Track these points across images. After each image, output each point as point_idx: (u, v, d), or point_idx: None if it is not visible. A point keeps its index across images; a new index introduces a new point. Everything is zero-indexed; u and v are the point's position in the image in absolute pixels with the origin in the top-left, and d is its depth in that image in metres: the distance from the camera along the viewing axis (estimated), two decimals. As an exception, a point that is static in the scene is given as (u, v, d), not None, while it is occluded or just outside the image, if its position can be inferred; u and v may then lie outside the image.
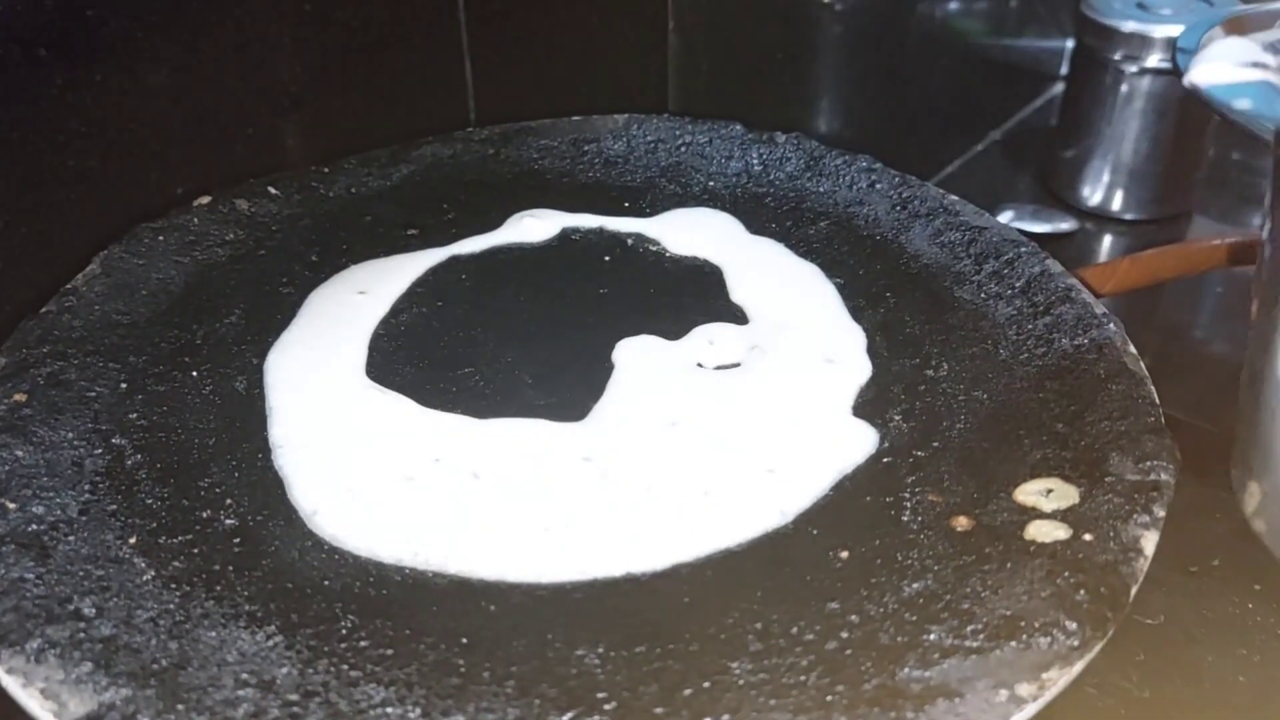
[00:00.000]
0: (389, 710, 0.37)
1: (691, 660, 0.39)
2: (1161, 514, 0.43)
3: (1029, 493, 0.45)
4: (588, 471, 0.48)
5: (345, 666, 0.39)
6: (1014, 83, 1.24)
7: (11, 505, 0.44)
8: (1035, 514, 0.44)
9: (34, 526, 0.43)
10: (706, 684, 0.38)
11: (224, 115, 0.72)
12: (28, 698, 0.36)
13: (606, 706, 0.37)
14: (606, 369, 0.54)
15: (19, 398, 0.49)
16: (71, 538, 0.43)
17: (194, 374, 0.53)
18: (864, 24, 0.98)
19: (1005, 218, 0.96)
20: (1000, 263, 0.59)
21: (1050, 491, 0.45)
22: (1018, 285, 0.57)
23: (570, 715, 0.37)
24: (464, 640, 0.40)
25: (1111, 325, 0.53)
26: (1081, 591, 0.39)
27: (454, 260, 0.62)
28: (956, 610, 0.40)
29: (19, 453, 0.47)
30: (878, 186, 0.66)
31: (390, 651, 0.40)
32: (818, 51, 0.97)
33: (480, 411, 0.51)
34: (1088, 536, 0.42)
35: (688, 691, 0.38)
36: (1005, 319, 0.56)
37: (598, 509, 0.46)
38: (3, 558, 0.41)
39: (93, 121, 0.65)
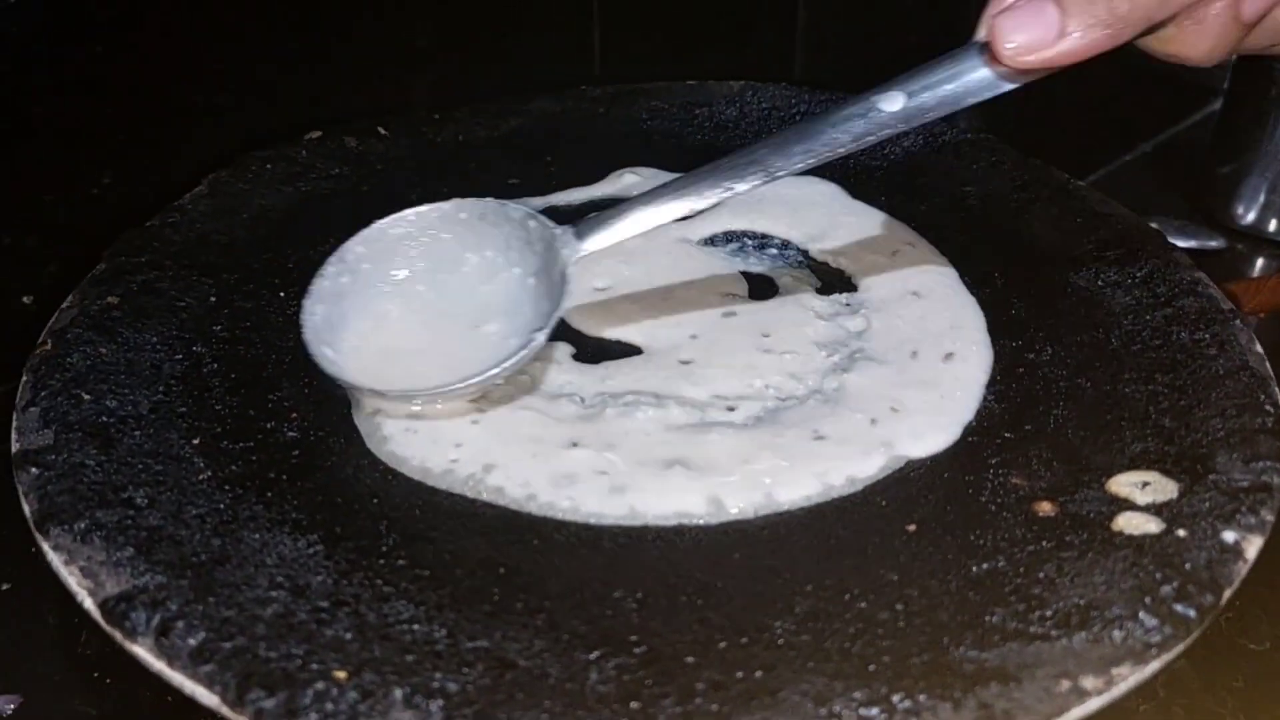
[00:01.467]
0: (416, 627, 0.36)
1: (732, 614, 0.37)
2: (1270, 519, 0.39)
3: (1123, 484, 0.42)
4: (661, 415, 0.46)
5: (380, 581, 0.38)
6: (1172, 94, 1.17)
7: (86, 396, 0.45)
8: (1127, 505, 0.41)
9: (104, 418, 0.44)
10: (744, 639, 0.36)
11: (353, 61, 0.74)
12: (68, 574, 0.37)
13: (636, 650, 0.36)
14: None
15: (111, 300, 0.51)
16: (137, 432, 0.44)
17: (281, 295, 0.54)
18: None
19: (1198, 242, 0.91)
20: (1122, 251, 0.55)
21: (1147, 484, 0.41)
22: (1139, 275, 0.53)
23: (597, 654, 0.35)
24: (501, 570, 0.39)
25: (1238, 321, 0.49)
26: (1166, 587, 0.36)
27: (550, 210, 0.61)
28: (1025, 594, 0.37)
29: (102, 349, 0.48)
30: (1000, 167, 0.63)
31: (427, 573, 0.39)
32: (964, 33, 0.93)
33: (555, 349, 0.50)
34: (1181, 533, 0.38)
35: (723, 644, 0.36)
36: (1121, 308, 0.52)
37: (662, 453, 0.44)
38: (69, 443, 0.42)
39: (228, 59, 0.67)
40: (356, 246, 0.48)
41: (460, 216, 0.48)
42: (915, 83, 0.43)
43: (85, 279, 0.52)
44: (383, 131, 0.66)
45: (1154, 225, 0.66)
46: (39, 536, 0.38)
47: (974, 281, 0.55)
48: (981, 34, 0.41)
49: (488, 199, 0.48)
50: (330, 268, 0.48)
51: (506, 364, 0.44)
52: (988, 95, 0.42)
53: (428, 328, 0.47)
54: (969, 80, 0.42)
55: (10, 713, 0.42)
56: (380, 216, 0.59)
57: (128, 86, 0.65)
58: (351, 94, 0.74)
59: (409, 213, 0.48)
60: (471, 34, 0.80)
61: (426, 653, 0.35)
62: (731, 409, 0.47)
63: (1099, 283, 0.54)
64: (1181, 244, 0.96)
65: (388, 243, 0.48)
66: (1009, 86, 0.42)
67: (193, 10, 0.67)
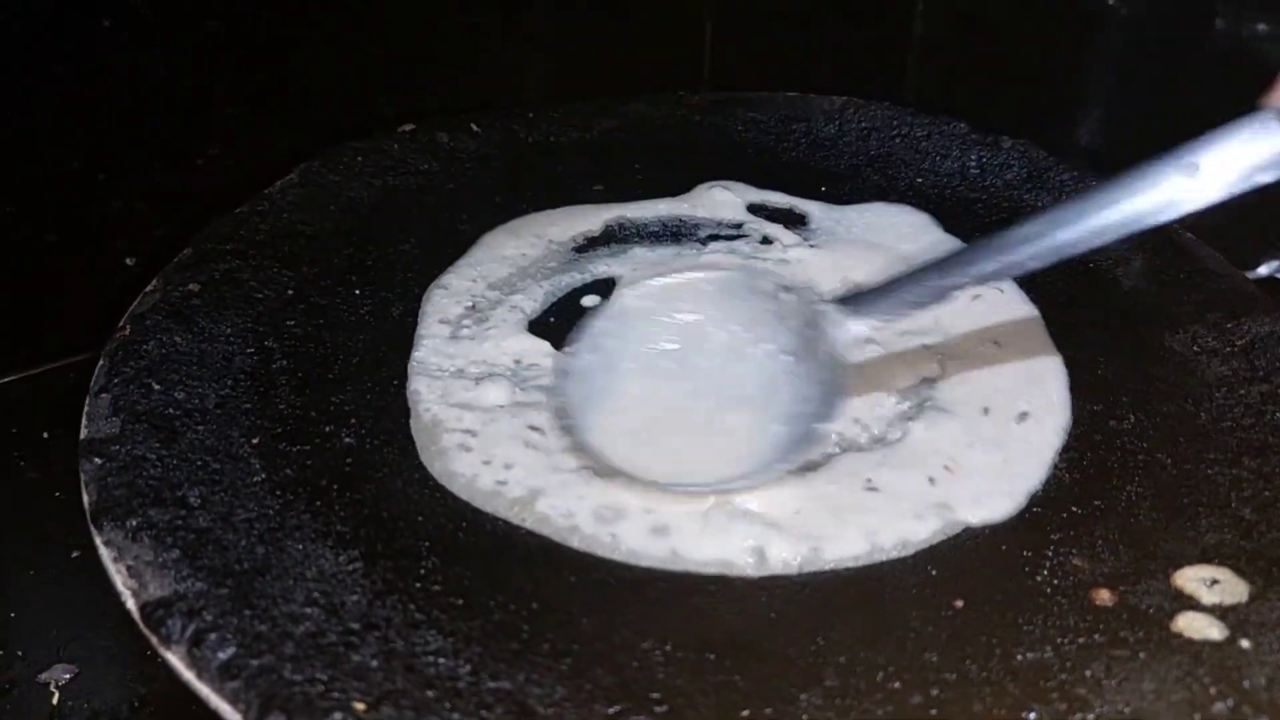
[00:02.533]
0: (441, 660, 0.36)
1: (759, 680, 0.36)
2: (1347, 636, 0.36)
3: (1191, 578, 0.40)
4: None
5: (413, 607, 0.38)
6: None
7: (157, 386, 0.46)
8: (1191, 604, 0.38)
9: (170, 410, 0.45)
10: (768, 709, 0.35)
11: (464, 48, 0.74)
12: (115, 571, 0.38)
13: (657, 709, 0.35)
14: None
15: (193, 287, 0.52)
16: (201, 427, 0.45)
17: (356, 292, 0.54)
18: (1148, 33, 0.89)
19: (1269, 268, 0.85)
20: (1224, 314, 0.52)
21: (1216, 582, 0.39)
22: (1239, 344, 0.50)
23: (617, 709, 0.35)
24: (534, 606, 0.39)
25: (1341, 408, 0.46)
26: (1220, 705, 0.34)
27: (625, 221, 0.61)
28: (1068, 694, 0.35)
29: (178, 339, 0.49)
30: (1104, 210, 0.60)
31: (460, 601, 0.39)
32: (1085, 57, 0.89)
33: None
34: (1245, 644, 0.36)
35: (745, 712, 0.35)
36: (1216, 379, 0.49)
37: (710, 500, 0.43)
38: (134, 434, 0.43)
39: (340, 42, 0.68)
40: (601, 322, 0.47)
41: (705, 289, 0.47)
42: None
43: (171, 263, 0.53)
44: (475, 128, 0.67)
45: (1273, 265, 0.63)
46: (93, 529, 0.39)
47: (1062, 335, 0.53)
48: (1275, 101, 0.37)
49: (735, 270, 0.47)
50: (580, 344, 0.47)
51: (792, 458, 0.42)
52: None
53: (679, 411, 0.46)
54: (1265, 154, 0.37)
55: (65, 682, 0.43)
56: (461, 215, 0.60)
57: (239, 64, 0.66)
58: (466, 83, 0.74)
59: (649, 285, 0.47)
60: (584, 29, 0.80)
61: (448, 690, 0.35)
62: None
63: (1195, 348, 0.51)
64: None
65: (632, 317, 0.47)
66: None
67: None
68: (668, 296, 0.47)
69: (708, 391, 0.46)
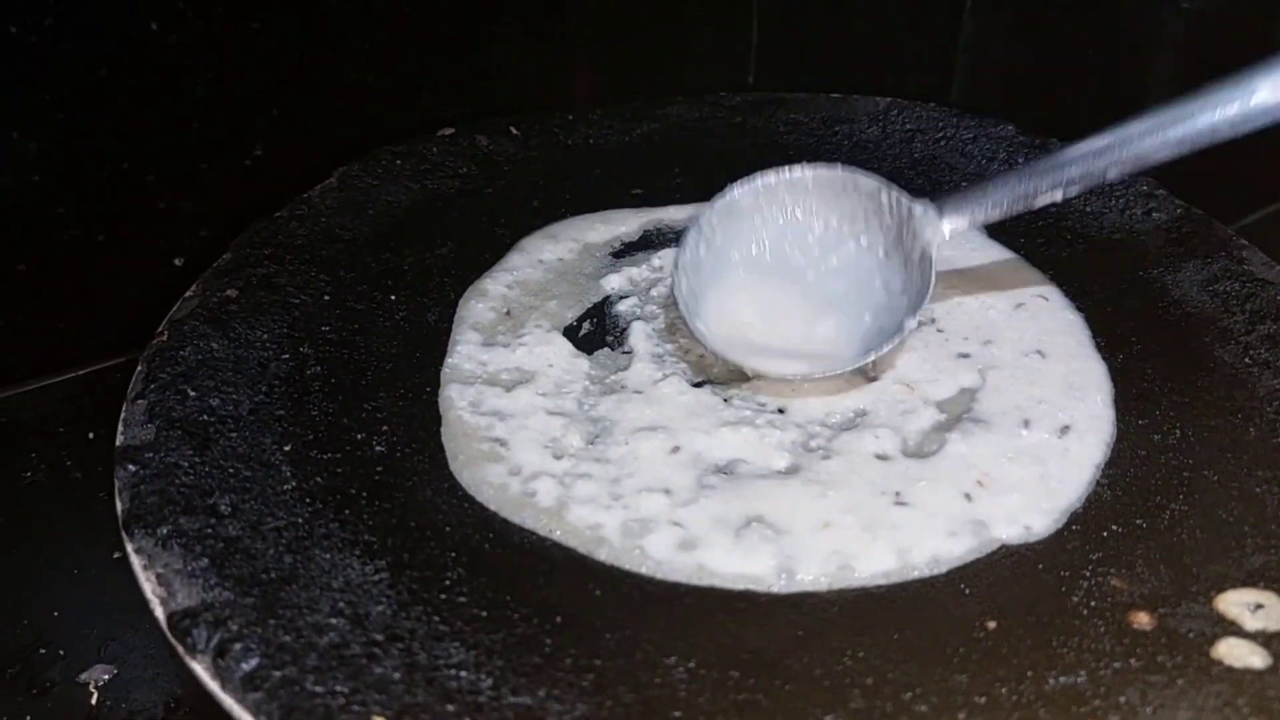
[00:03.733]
0: (463, 674, 0.36)
1: (783, 700, 0.36)
2: (1397, 668, 0.35)
3: (1234, 602, 0.38)
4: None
5: (437, 618, 0.38)
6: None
7: (192, 393, 0.46)
8: (1232, 629, 0.37)
9: (205, 417, 0.46)
10: (790, 731, 0.35)
11: (506, 51, 0.74)
12: (145, 580, 0.38)
13: (677, 728, 0.35)
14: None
15: (231, 293, 0.52)
16: (234, 434, 0.45)
17: (392, 298, 0.54)
18: (1214, 31, 0.86)
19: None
20: (1278, 326, 0.50)
21: (1260, 607, 0.38)
22: (1294, 356, 0.49)
23: (637, 727, 0.35)
24: (558, 619, 0.39)
25: (1399, 425, 0.44)
26: (1260, 737, 0.33)
27: (659, 227, 0.60)
28: (1101, 720, 0.34)
29: (214, 344, 0.49)
30: (1154, 215, 0.58)
31: (485, 614, 0.39)
32: (1147, 56, 0.86)
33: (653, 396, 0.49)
34: (1289, 673, 0.35)
35: (767, 733, 0.35)
36: (1267, 393, 0.48)
37: (739, 508, 0.43)
38: (168, 441, 0.44)
39: (382, 45, 0.68)
40: (712, 218, 0.50)
41: (809, 185, 0.49)
42: None
43: (210, 269, 0.54)
44: (514, 131, 0.66)
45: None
46: (125, 536, 0.40)
47: (1108, 345, 0.51)
48: None
49: (838, 166, 0.49)
50: (689, 239, 0.49)
51: (878, 351, 0.46)
52: None
53: (779, 304, 0.49)
54: None
55: (104, 683, 0.44)
56: (499, 219, 0.60)
57: (282, 67, 0.67)
58: (508, 87, 0.74)
59: (758, 180, 0.50)
60: (628, 32, 0.79)
61: (468, 704, 0.35)
62: (826, 457, 0.46)
63: (1246, 360, 0.49)
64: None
65: (739, 213, 0.50)
66: None
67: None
68: (770, 193, 0.50)
69: (805, 283, 0.50)
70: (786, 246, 0.50)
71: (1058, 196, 0.44)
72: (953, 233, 0.46)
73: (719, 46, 0.86)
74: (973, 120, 0.66)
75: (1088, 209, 0.60)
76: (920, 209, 0.47)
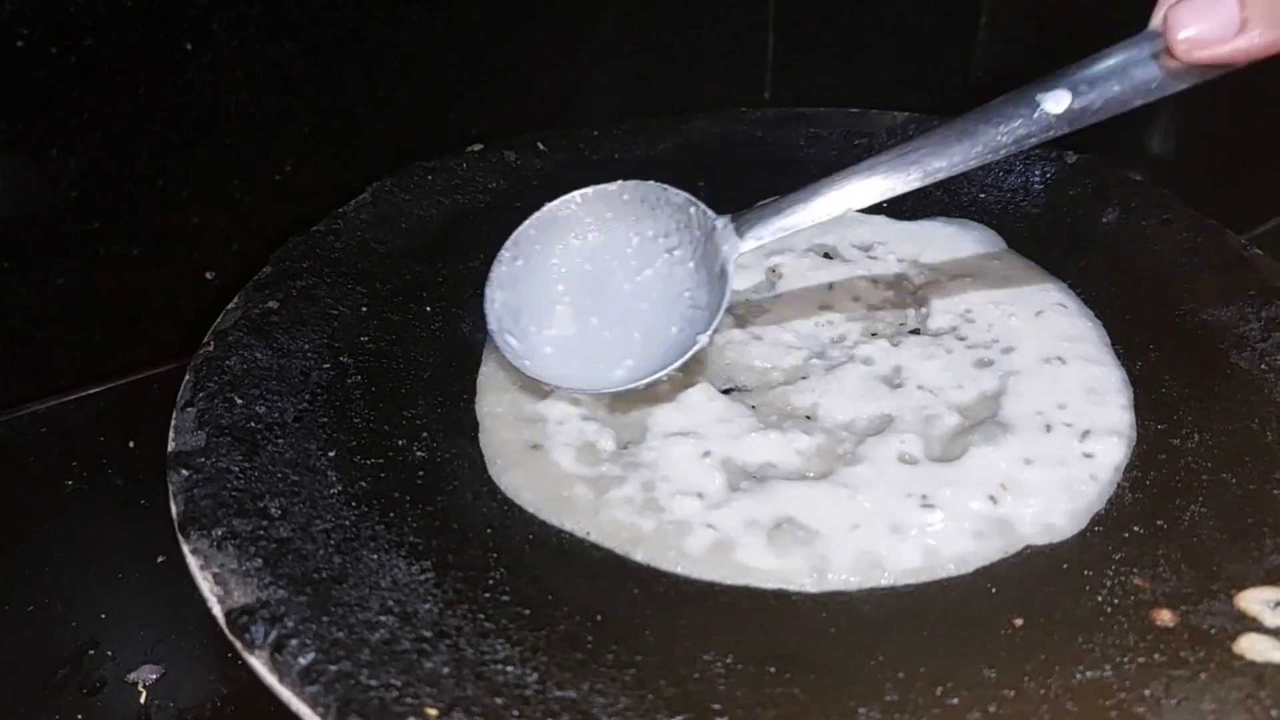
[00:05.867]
0: (509, 669, 0.38)
1: (818, 693, 0.37)
2: None
3: (1255, 600, 0.39)
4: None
5: (482, 616, 0.40)
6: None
7: (239, 401, 0.48)
8: (1254, 625, 0.38)
9: (252, 424, 0.47)
10: (826, 722, 0.36)
11: (532, 68, 0.76)
12: (202, 579, 0.40)
13: (717, 719, 0.36)
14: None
15: (272, 305, 0.54)
16: (280, 440, 0.47)
17: (428, 309, 0.56)
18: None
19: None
20: (1295, 333, 0.52)
21: (1279, 604, 0.39)
22: (1309, 362, 0.50)
23: (679, 719, 0.36)
24: (599, 617, 0.40)
25: None
26: (1282, 728, 0.34)
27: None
28: (1127, 712, 0.36)
29: (259, 354, 0.51)
30: (1171, 226, 0.60)
31: (528, 612, 0.40)
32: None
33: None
34: (1309, 667, 0.36)
35: (804, 725, 0.36)
36: (1284, 398, 0.49)
37: (771, 510, 0.44)
38: (218, 447, 0.45)
39: (404, 62, 0.70)
40: (529, 230, 0.51)
41: (623, 198, 0.50)
42: (1080, 79, 0.42)
43: (250, 282, 0.55)
44: (541, 147, 0.68)
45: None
46: (180, 538, 0.41)
47: (1126, 352, 0.53)
48: (1155, 23, 0.39)
49: (650, 182, 0.50)
50: (506, 252, 0.50)
51: (670, 368, 0.46)
52: (1156, 96, 0.41)
53: (594, 312, 0.50)
54: (1137, 77, 0.41)
55: (151, 682, 0.46)
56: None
57: (315, 84, 0.69)
58: (534, 103, 0.76)
59: (576, 195, 0.50)
60: (648, 47, 0.81)
61: (515, 697, 0.36)
62: (853, 461, 0.47)
63: (1262, 366, 0.51)
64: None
65: (557, 224, 0.51)
66: (1179, 87, 0.40)
67: (381, 15, 0.70)
68: (587, 205, 0.50)
69: (621, 294, 0.50)
70: (605, 258, 0.50)
71: (850, 206, 0.45)
72: (751, 248, 0.47)
73: (737, 62, 0.88)
74: (989, 134, 0.67)
75: (1104, 219, 0.61)
76: (721, 223, 0.48)
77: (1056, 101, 0.42)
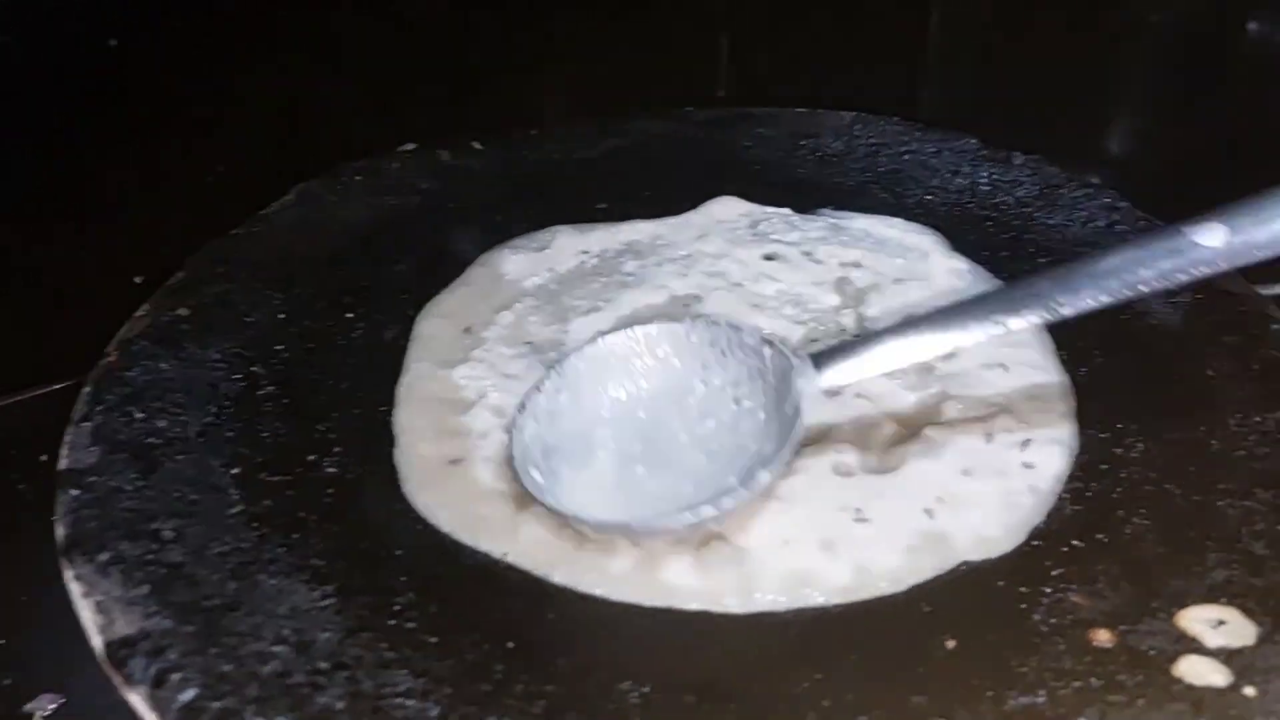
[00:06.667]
0: (409, 702, 0.35)
1: (737, 725, 0.35)
2: (1359, 684, 0.35)
3: (1196, 619, 0.38)
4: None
5: (384, 645, 0.37)
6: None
7: (139, 415, 0.46)
8: (1194, 646, 0.37)
9: (151, 439, 0.45)
10: (743, 757, 0.34)
11: (468, 63, 0.73)
12: (83, 607, 0.37)
13: (629, 755, 0.34)
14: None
15: (182, 312, 0.52)
16: (181, 456, 0.44)
17: (349, 315, 0.54)
18: (1181, 39, 0.86)
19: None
20: (1243, 337, 0.50)
21: (1222, 624, 0.37)
22: (1256, 368, 0.48)
23: (587, 755, 0.34)
24: (510, 645, 0.38)
25: (1362, 436, 0.44)
26: (1220, 758, 0.32)
27: (631, 245, 0.59)
28: (1061, 741, 0.34)
29: (164, 365, 0.48)
30: (1117, 229, 0.58)
31: (435, 639, 0.38)
32: (1113, 69, 0.86)
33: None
34: (1249, 691, 0.35)
35: (719, 760, 0.34)
36: (1230, 404, 0.47)
37: (698, 530, 0.42)
38: (112, 465, 0.43)
39: (336, 59, 0.68)
40: (578, 363, 0.46)
41: (690, 339, 0.46)
42: (1241, 215, 0.39)
43: (161, 288, 0.53)
44: (477, 146, 0.66)
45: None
46: (63, 563, 0.39)
47: (1070, 358, 0.51)
48: None
49: (721, 322, 0.47)
50: (549, 382, 0.46)
51: (724, 503, 0.41)
52: None
53: (640, 460, 0.44)
54: None
55: (50, 712, 0.43)
56: (462, 236, 0.59)
57: (246, 82, 0.67)
58: (473, 101, 0.74)
59: (638, 331, 0.46)
60: (597, 47, 0.79)
61: (413, 733, 0.34)
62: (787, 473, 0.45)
63: (1209, 372, 0.49)
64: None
65: (612, 362, 0.46)
66: None
67: (312, 8, 0.68)
68: (649, 344, 0.46)
69: (676, 445, 0.45)
70: (663, 405, 0.46)
71: (956, 345, 0.42)
72: (830, 387, 0.43)
73: (689, 62, 0.86)
74: (937, 134, 0.66)
75: (1050, 222, 0.60)
76: (798, 362, 0.43)
77: (1209, 235, 0.39)
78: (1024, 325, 0.41)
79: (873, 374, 0.43)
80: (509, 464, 0.43)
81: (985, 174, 0.63)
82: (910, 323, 0.43)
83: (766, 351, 0.45)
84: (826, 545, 0.42)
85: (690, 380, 0.46)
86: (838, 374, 0.43)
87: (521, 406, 0.45)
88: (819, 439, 0.47)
